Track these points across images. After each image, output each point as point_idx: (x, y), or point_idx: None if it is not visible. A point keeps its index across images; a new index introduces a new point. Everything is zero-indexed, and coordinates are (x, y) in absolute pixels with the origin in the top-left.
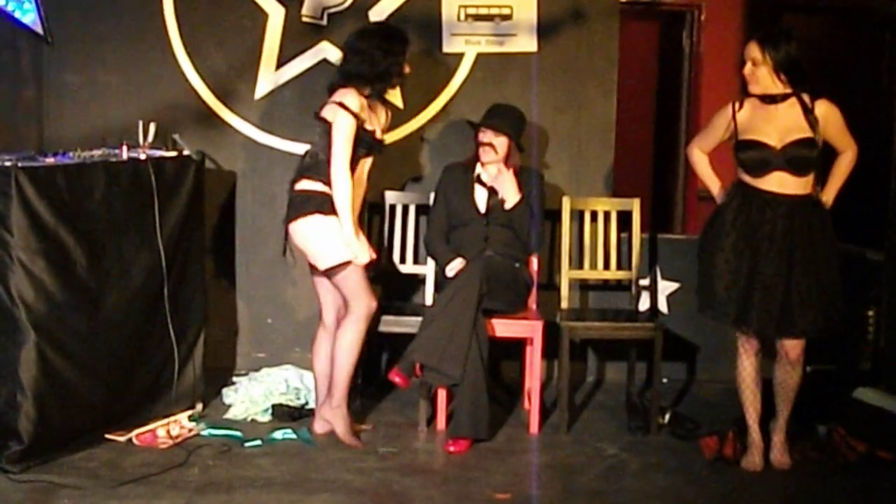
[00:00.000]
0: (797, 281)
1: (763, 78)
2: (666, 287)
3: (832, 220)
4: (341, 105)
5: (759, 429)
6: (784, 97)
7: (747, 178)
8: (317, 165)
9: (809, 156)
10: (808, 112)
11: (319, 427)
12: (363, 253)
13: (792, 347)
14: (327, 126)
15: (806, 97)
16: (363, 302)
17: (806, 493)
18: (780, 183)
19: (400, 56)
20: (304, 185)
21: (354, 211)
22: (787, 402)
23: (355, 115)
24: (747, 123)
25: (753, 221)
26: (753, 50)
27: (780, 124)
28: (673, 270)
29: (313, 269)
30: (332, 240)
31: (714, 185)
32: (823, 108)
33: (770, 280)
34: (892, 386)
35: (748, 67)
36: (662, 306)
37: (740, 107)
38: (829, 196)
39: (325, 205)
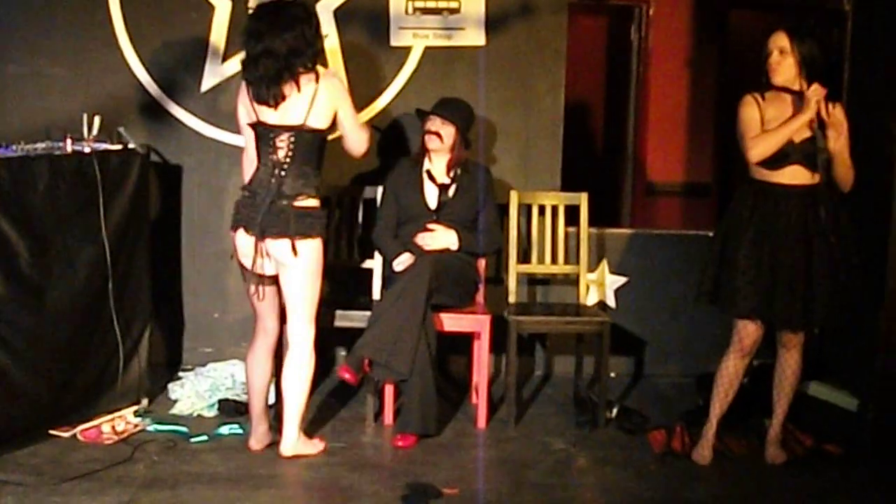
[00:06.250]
0: (817, 271)
1: (788, 69)
2: (614, 281)
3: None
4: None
5: (716, 424)
6: (801, 94)
7: (762, 173)
8: (308, 179)
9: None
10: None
11: (256, 443)
12: None
13: (796, 335)
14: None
15: None
16: (312, 328)
17: (753, 487)
18: (792, 176)
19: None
20: (304, 202)
21: None
22: (786, 398)
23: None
24: (768, 116)
25: (769, 215)
26: (781, 39)
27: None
28: (621, 265)
29: (259, 276)
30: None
31: (789, 123)
32: (838, 113)
33: (791, 271)
34: (839, 380)
35: (775, 56)
36: (610, 300)
37: (762, 99)
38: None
39: (322, 224)
